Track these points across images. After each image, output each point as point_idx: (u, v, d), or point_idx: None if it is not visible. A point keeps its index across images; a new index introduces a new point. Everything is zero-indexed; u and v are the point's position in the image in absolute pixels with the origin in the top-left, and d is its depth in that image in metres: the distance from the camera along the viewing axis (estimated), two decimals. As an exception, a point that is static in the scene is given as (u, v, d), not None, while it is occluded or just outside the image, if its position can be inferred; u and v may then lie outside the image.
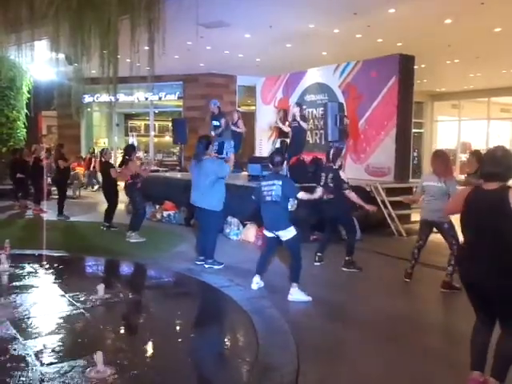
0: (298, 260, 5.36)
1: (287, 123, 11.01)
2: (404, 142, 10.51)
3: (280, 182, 5.35)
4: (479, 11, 9.37)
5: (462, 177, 8.40)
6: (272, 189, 5.36)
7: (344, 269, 6.51)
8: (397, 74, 10.30)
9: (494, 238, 3.06)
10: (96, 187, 16.20)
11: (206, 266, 6.54)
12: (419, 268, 6.54)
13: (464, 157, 21.45)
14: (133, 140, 20.73)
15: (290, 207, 5.73)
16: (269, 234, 5.57)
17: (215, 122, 11.50)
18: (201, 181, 6.50)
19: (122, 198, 9.63)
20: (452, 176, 5.75)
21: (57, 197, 11.03)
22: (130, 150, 8.75)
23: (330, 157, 6.78)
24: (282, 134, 11.38)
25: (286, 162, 7.04)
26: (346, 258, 6.56)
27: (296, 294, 5.27)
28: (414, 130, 11.70)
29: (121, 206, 9.92)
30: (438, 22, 10.16)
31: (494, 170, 3.14)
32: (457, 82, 18.53)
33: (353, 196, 6.60)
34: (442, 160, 5.79)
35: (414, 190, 6.41)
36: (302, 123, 10.31)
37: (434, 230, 5.88)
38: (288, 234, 5.35)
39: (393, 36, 11.28)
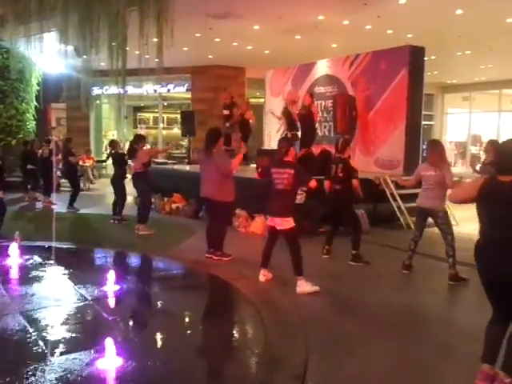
0: (296, 253, 5.32)
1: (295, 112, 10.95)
2: (414, 135, 10.43)
3: (292, 171, 5.34)
4: (491, 2, 9.25)
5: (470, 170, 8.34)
6: (284, 177, 5.35)
7: (351, 263, 6.49)
8: (407, 65, 10.20)
9: (510, 229, 3.03)
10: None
11: (215, 257, 6.55)
12: (426, 260, 6.53)
13: (474, 149, 21.31)
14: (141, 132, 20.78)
15: (298, 200, 5.72)
16: (270, 223, 5.57)
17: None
18: (210, 173, 6.50)
19: (130, 191, 9.63)
20: (446, 164, 5.75)
21: (66, 189, 11.08)
22: (138, 140, 8.76)
23: (339, 147, 6.80)
24: (291, 126, 11.31)
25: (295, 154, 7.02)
26: (353, 252, 6.54)
27: (303, 286, 5.25)
28: (423, 123, 11.60)
29: (130, 199, 9.93)
30: (449, 12, 10.05)
31: (510, 162, 3.10)
32: (468, 74, 18.36)
33: (357, 183, 6.63)
34: (436, 150, 5.81)
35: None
36: (312, 110, 10.29)
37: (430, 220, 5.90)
38: (285, 224, 5.33)
39: (403, 27, 11.17)
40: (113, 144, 9.70)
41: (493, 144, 7.27)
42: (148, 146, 10.49)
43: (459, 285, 5.61)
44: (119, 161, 9.38)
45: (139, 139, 8.78)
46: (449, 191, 5.50)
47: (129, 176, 9.50)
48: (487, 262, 3.15)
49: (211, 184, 6.49)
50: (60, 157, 11.49)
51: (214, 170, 6.43)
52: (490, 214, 3.15)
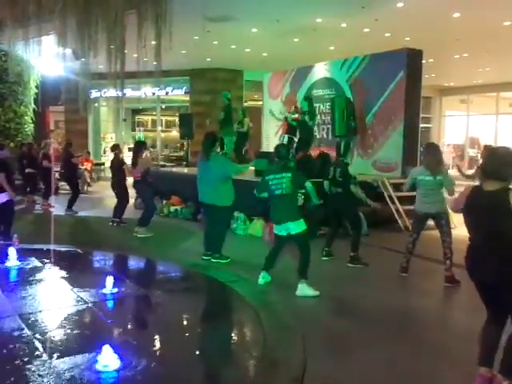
0: (306, 255, 5.35)
1: (296, 116, 11.01)
2: (412, 137, 10.44)
3: (289, 175, 5.35)
4: (488, 5, 9.29)
5: (469, 172, 8.34)
6: (282, 182, 5.36)
7: (350, 265, 6.50)
8: (405, 68, 10.22)
9: (496, 238, 3.07)
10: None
11: (213, 260, 6.56)
12: (422, 262, 6.54)
13: (472, 152, 21.36)
14: (140, 135, 20.75)
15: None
16: (278, 232, 5.55)
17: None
18: (208, 178, 6.50)
19: (131, 194, 9.64)
20: (443, 168, 5.77)
21: (64, 192, 11.07)
22: (139, 147, 8.78)
23: (341, 151, 6.79)
24: (290, 130, 11.35)
25: (292, 157, 7.06)
26: (351, 254, 6.55)
27: (304, 290, 5.25)
28: (421, 125, 11.62)
29: (130, 201, 9.93)
30: (446, 15, 10.09)
31: (495, 169, 3.12)
32: (465, 77, 18.41)
33: (357, 191, 6.64)
34: (434, 154, 5.81)
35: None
36: (307, 118, 10.30)
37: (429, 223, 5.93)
38: (298, 226, 5.34)
39: (401, 30, 11.21)
40: (115, 149, 9.73)
41: (487, 150, 7.35)
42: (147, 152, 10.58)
43: (456, 287, 5.62)
44: (117, 166, 9.40)
45: (140, 147, 8.81)
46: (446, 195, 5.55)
47: (128, 179, 9.49)
48: (474, 268, 3.22)
49: (210, 189, 6.49)
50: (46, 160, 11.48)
51: (211, 174, 6.44)
52: (476, 223, 3.20)
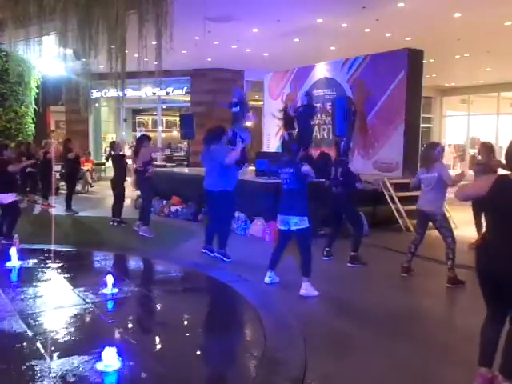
0: (308, 254, 5.35)
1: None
2: (412, 137, 10.44)
3: (291, 170, 5.39)
4: (489, 5, 9.28)
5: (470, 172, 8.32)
6: (286, 177, 5.42)
7: (349, 264, 6.51)
8: (405, 68, 10.22)
9: None
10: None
11: (217, 255, 6.57)
12: (425, 262, 6.54)
13: (473, 152, 21.35)
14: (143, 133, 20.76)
15: None
16: (281, 227, 5.55)
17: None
18: (211, 166, 6.67)
19: (129, 194, 9.62)
20: (438, 164, 5.75)
21: (64, 192, 11.07)
22: (143, 139, 8.81)
23: (341, 150, 6.83)
24: (288, 125, 11.37)
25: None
26: (352, 254, 6.56)
27: (308, 289, 5.26)
28: (422, 125, 11.61)
29: (127, 202, 9.92)
30: (447, 15, 10.07)
31: None
32: (466, 77, 18.39)
33: (360, 185, 6.77)
34: (424, 152, 5.99)
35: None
36: (309, 108, 10.34)
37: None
38: (302, 222, 5.33)
39: (401, 30, 11.20)
40: (113, 145, 9.71)
41: (485, 146, 7.47)
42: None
43: (457, 287, 5.62)
44: (119, 162, 9.39)
45: (143, 139, 8.83)
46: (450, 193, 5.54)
47: (129, 179, 9.49)
48: (497, 260, 3.08)
49: (213, 175, 6.65)
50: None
51: (213, 162, 6.63)
52: (501, 212, 3.10)
